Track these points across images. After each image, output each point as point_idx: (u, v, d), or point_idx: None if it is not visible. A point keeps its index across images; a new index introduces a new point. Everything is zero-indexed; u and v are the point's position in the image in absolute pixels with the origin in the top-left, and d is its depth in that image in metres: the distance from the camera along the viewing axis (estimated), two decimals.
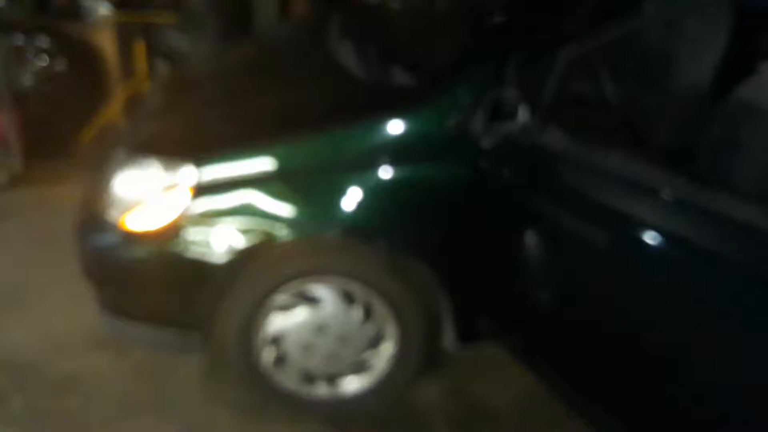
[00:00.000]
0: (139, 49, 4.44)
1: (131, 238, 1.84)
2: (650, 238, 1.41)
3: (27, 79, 4.27)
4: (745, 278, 1.24)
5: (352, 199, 1.79)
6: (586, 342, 1.64)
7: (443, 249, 1.88)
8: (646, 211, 1.46)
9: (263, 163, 1.78)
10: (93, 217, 1.92)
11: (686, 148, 2.02)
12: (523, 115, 1.71)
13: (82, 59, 4.54)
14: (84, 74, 4.54)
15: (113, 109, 4.52)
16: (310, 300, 1.90)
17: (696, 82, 2.18)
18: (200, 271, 1.82)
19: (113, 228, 1.85)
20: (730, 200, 1.33)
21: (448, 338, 1.98)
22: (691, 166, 1.94)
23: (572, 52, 1.65)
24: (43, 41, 4.37)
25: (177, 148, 1.86)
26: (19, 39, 4.24)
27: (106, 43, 4.60)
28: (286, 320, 1.92)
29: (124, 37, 4.54)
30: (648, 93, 2.29)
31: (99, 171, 2.11)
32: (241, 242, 1.78)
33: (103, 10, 4.47)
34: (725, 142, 1.89)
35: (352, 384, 2.03)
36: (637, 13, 1.70)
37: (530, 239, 1.67)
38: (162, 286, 1.90)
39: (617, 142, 2.07)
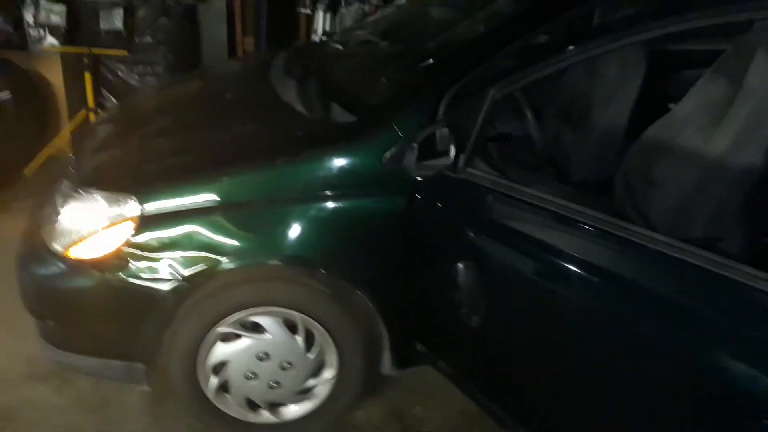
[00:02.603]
0: (87, 81, 4.44)
1: (74, 269, 1.86)
2: (570, 266, 1.51)
3: None
4: (659, 305, 1.34)
5: (293, 229, 1.86)
6: (513, 364, 1.75)
7: (381, 278, 1.96)
8: (566, 242, 1.56)
9: (206, 195, 1.83)
10: (35, 249, 1.93)
11: (604, 182, 2.19)
12: (452, 150, 1.82)
13: (27, 89, 4.48)
14: (28, 105, 4.47)
15: (59, 141, 4.48)
16: (254, 329, 1.95)
17: (614, 121, 2.35)
18: (144, 301, 1.85)
19: (56, 259, 1.87)
20: (643, 232, 1.42)
21: (387, 363, 2.07)
22: (608, 200, 2.10)
23: (499, 91, 1.75)
24: None
25: (121, 182, 1.89)
26: None
27: (52, 74, 4.57)
28: (230, 349, 1.95)
29: (72, 69, 4.53)
30: (569, 131, 2.46)
31: (43, 203, 2.13)
32: (184, 272, 1.82)
33: (51, 40, 4.45)
34: (639, 177, 2.05)
35: (294, 409, 2.09)
36: (561, 55, 1.79)
37: (461, 268, 1.75)
38: (105, 317, 1.91)
39: (541, 176, 2.22)
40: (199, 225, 1.82)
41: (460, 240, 1.81)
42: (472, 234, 1.78)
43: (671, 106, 2.10)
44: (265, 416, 2.07)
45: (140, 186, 1.86)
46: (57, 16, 4.35)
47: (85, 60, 4.40)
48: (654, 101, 2.31)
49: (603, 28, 1.75)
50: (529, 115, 2.16)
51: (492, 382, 1.87)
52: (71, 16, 4.35)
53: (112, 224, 1.83)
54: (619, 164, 2.12)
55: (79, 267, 1.85)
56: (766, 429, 1.11)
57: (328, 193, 1.87)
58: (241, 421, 2.06)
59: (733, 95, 1.76)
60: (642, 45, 2.30)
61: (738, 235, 1.77)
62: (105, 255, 1.82)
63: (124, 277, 1.82)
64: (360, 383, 2.09)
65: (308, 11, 5.20)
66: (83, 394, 2.29)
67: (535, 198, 1.63)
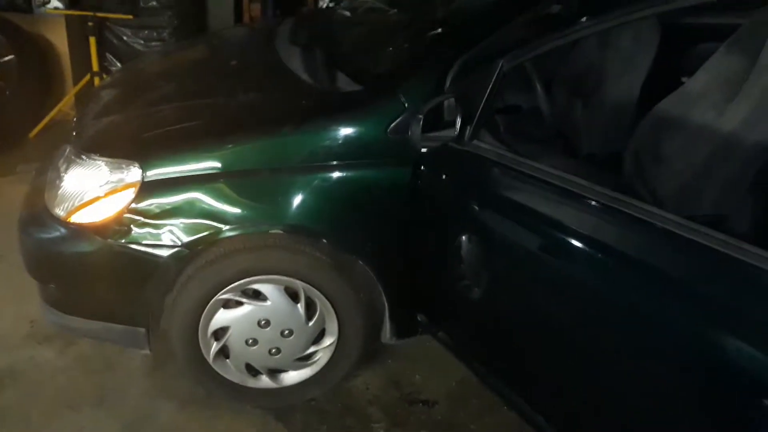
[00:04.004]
0: (92, 45, 4.40)
1: (76, 233, 1.85)
2: (575, 241, 1.48)
3: None
4: (662, 283, 1.32)
5: (296, 198, 1.85)
6: (513, 337, 1.75)
7: (383, 248, 1.96)
8: (571, 217, 1.54)
9: (210, 163, 1.82)
10: (38, 213, 1.93)
11: (613, 157, 2.16)
12: (458, 122, 1.80)
13: (32, 53, 4.47)
14: (33, 68, 4.47)
15: (63, 105, 4.47)
16: (255, 296, 1.96)
17: (625, 94, 2.32)
18: (145, 267, 1.85)
19: (58, 224, 1.86)
20: (650, 209, 1.38)
21: (387, 332, 2.07)
22: (616, 175, 2.07)
23: (508, 62, 1.72)
24: None
25: (123, 148, 1.88)
26: None
27: (57, 37, 4.54)
28: (231, 315, 1.96)
29: (76, 32, 4.50)
30: (580, 104, 2.43)
31: (45, 168, 2.13)
32: (186, 239, 1.81)
33: (55, 3, 4.41)
34: (649, 152, 2.03)
35: (293, 375, 2.10)
36: (573, 27, 1.73)
37: (464, 241, 1.74)
38: (106, 282, 1.92)
39: (548, 150, 2.20)
40: (201, 192, 1.81)
41: (464, 212, 1.80)
42: (475, 206, 1.77)
43: (684, 80, 2.06)
44: (265, 381, 2.09)
45: (143, 152, 1.85)
46: None
47: (90, 24, 4.36)
48: (667, 75, 2.27)
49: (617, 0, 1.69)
50: (538, 87, 2.13)
51: (491, 353, 1.87)
52: None
53: (114, 190, 1.82)
54: (628, 139, 2.09)
55: (80, 232, 1.85)
56: (765, 405, 1.10)
57: (332, 162, 1.85)
58: (240, 385, 2.07)
59: (748, 71, 1.73)
60: (656, 18, 2.26)
61: (746, 214, 1.74)
62: (106, 220, 1.82)
63: (125, 242, 1.81)
64: (359, 351, 2.10)
65: None
66: (85, 356, 2.32)
67: (540, 172, 1.61)
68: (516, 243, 1.67)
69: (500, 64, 1.71)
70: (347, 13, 2.81)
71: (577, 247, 1.48)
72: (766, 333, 1.15)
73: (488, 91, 1.73)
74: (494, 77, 1.71)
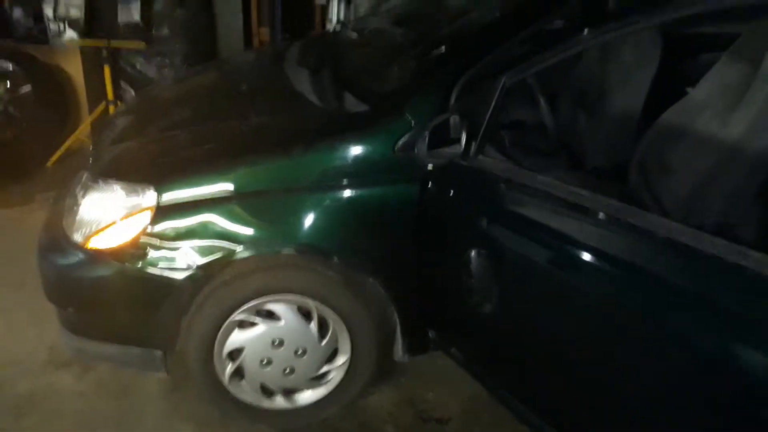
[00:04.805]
0: (106, 74, 4.50)
1: (93, 259, 1.89)
2: (583, 254, 1.49)
3: None
4: (672, 293, 1.32)
5: (307, 218, 1.88)
6: (524, 352, 1.75)
7: (393, 266, 1.98)
8: (578, 230, 1.55)
9: (223, 185, 1.85)
10: (56, 239, 1.96)
11: (619, 169, 2.17)
12: (464, 138, 1.82)
13: (48, 83, 4.58)
14: (49, 98, 4.57)
15: (80, 134, 4.55)
16: (269, 316, 1.98)
17: (629, 106, 2.33)
18: (161, 289, 1.88)
19: (76, 249, 1.90)
20: (657, 219, 1.39)
21: (399, 350, 2.09)
22: (622, 186, 2.08)
23: (510, 78, 1.73)
24: (7, 65, 4.41)
25: (139, 172, 1.92)
26: None
27: (72, 67, 4.64)
28: (246, 336, 1.98)
29: (91, 61, 4.59)
30: (584, 117, 2.44)
31: (63, 194, 2.17)
32: (200, 261, 1.84)
33: (70, 34, 4.52)
34: (654, 163, 2.04)
35: (308, 395, 2.12)
36: (574, 41, 1.75)
37: (473, 256, 1.76)
38: (124, 305, 1.95)
39: (554, 163, 2.21)
40: (215, 214, 1.84)
41: (472, 227, 1.81)
42: (483, 221, 1.78)
43: (688, 90, 2.07)
44: (280, 402, 2.11)
45: (158, 176, 1.89)
46: (76, 9, 4.42)
47: (104, 53, 4.46)
48: (670, 86, 2.28)
49: (616, 12, 1.72)
50: (542, 101, 2.15)
51: (503, 368, 1.88)
52: (90, 10, 4.41)
53: (130, 214, 1.86)
54: (633, 150, 2.10)
55: (98, 257, 1.89)
56: None
57: (341, 182, 1.88)
58: (255, 406, 2.09)
59: (751, 79, 1.74)
60: (658, 29, 2.28)
61: (753, 222, 1.75)
62: (123, 245, 1.85)
63: (141, 266, 1.85)
64: (372, 369, 2.11)
65: (323, 1, 5.20)
66: (104, 380, 2.35)
67: (547, 185, 1.62)
68: (524, 257, 1.68)
69: (503, 80, 1.73)
70: (354, 35, 2.86)
71: (585, 259, 1.49)
72: None
73: (492, 107, 1.74)
74: (497, 93, 1.73)
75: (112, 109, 4.48)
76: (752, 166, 1.71)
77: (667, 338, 1.32)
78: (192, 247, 1.84)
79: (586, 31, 1.71)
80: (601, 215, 1.48)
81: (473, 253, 1.76)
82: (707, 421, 1.28)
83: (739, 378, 1.19)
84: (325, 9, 5.23)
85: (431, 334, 2.07)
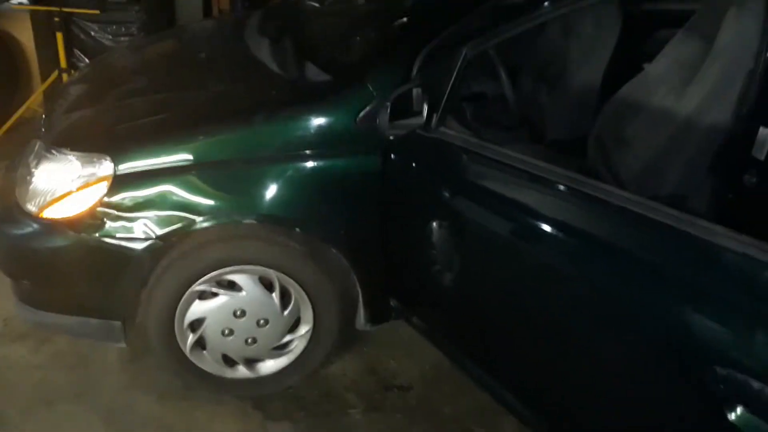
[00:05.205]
0: (59, 41, 4.34)
1: (48, 229, 1.86)
2: (542, 225, 1.53)
3: None
4: (628, 262, 1.36)
5: (268, 189, 1.86)
6: (484, 320, 1.79)
7: (355, 236, 1.99)
8: (537, 201, 1.59)
9: (181, 155, 1.83)
10: (9, 210, 1.92)
11: (578, 142, 2.21)
12: (425, 109, 1.83)
13: None
14: None
15: (31, 102, 4.41)
16: (230, 287, 1.97)
17: (588, 80, 2.36)
18: (119, 260, 1.85)
19: (30, 220, 1.86)
20: (614, 191, 1.44)
21: (362, 319, 2.11)
22: (581, 160, 2.12)
23: (471, 49, 1.74)
24: None
25: (94, 142, 1.89)
26: None
27: (23, 34, 4.47)
28: (207, 306, 1.97)
29: (42, 28, 4.42)
30: (545, 90, 2.47)
31: (15, 163, 2.12)
32: (159, 231, 1.82)
33: None
34: (611, 136, 2.08)
35: (270, 364, 2.13)
36: (534, 13, 1.77)
37: (434, 227, 1.77)
38: (81, 276, 1.92)
39: (515, 136, 2.24)
40: (173, 184, 1.82)
41: (433, 199, 1.83)
42: (444, 193, 1.80)
43: (645, 66, 2.11)
44: (242, 371, 2.11)
45: (114, 145, 1.85)
46: None
47: (57, 19, 4.29)
48: (629, 61, 2.32)
49: None
50: (502, 74, 2.16)
51: (464, 337, 1.91)
52: None
53: (87, 184, 1.82)
54: (592, 124, 2.14)
55: (53, 227, 1.85)
56: (720, 375, 1.15)
57: (302, 152, 1.87)
58: (218, 376, 2.09)
59: (705, 54, 1.78)
60: (617, 4, 2.31)
61: (705, 193, 1.80)
62: (79, 215, 1.82)
63: (98, 236, 1.82)
64: (334, 338, 2.13)
65: None
66: (61, 352, 2.31)
67: (506, 157, 1.65)
68: (484, 227, 1.71)
69: (464, 52, 1.74)
70: (315, 4, 2.83)
71: (544, 229, 1.53)
72: (724, 307, 1.20)
73: (453, 78, 1.75)
74: (458, 65, 1.73)
75: (65, 77, 4.33)
76: (705, 139, 1.76)
77: (624, 305, 1.36)
78: (150, 218, 1.82)
79: (546, 3, 1.73)
80: (559, 187, 1.51)
81: (435, 223, 1.77)
82: (650, 381, 1.33)
83: (685, 340, 1.24)
84: None
85: (393, 303, 2.09)
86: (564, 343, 1.53)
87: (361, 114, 1.86)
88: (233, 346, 2.03)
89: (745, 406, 1.12)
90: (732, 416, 1.13)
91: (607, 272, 1.40)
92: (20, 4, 4.31)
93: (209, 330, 1.99)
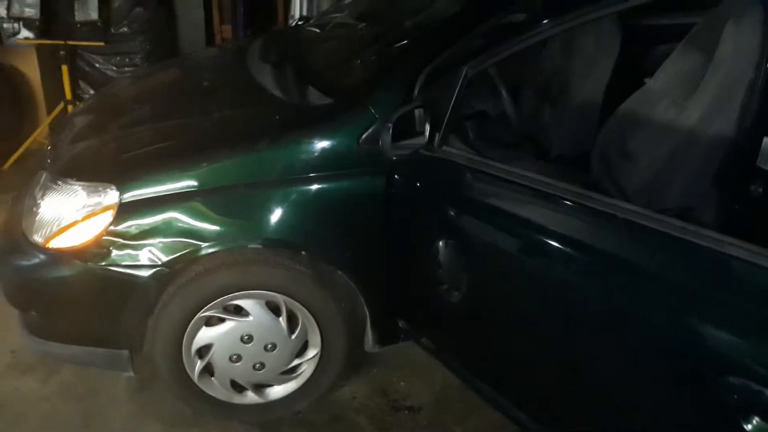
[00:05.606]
0: (64, 74, 4.40)
1: (55, 259, 1.86)
2: (548, 240, 1.53)
3: None
4: (637, 275, 1.36)
5: (273, 213, 1.86)
6: (494, 339, 1.77)
7: (361, 258, 1.98)
8: (542, 217, 1.58)
9: (186, 182, 1.83)
10: (16, 241, 1.92)
11: (582, 157, 2.21)
12: (427, 129, 1.83)
13: (3, 84, 4.45)
14: (5, 99, 4.44)
15: (38, 135, 4.45)
16: (237, 312, 1.96)
17: (590, 96, 2.38)
18: (126, 288, 1.85)
19: (37, 251, 1.86)
20: (620, 204, 1.43)
21: (370, 341, 2.09)
22: (585, 174, 2.12)
23: (472, 68, 1.76)
24: None
25: (99, 171, 1.90)
26: None
27: (29, 67, 4.53)
28: (214, 332, 1.96)
29: (48, 61, 4.48)
30: (547, 107, 2.48)
31: (22, 195, 2.13)
32: (165, 258, 1.82)
33: (25, 33, 4.40)
34: (615, 151, 2.08)
35: (279, 389, 2.11)
36: (532, 31, 1.78)
37: (440, 246, 1.77)
38: (88, 306, 1.92)
39: (518, 153, 2.25)
40: (179, 211, 1.82)
41: (438, 218, 1.83)
42: (449, 211, 1.80)
43: (646, 80, 2.12)
44: (251, 397, 2.10)
45: (119, 174, 1.86)
46: (31, 8, 4.29)
47: (62, 52, 4.35)
48: (630, 76, 2.33)
49: (574, 2, 1.75)
50: (503, 92, 2.18)
51: (474, 356, 1.90)
52: (46, 9, 4.29)
53: (92, 213, 1.83)
54: (595, 139, 2.14)
55: (59, 257, 1.85)
56: (732, 385, 1.14)
57: (306, 175, 1.88)
58: (226, 402, 2.08)
59: (706, 66, 1.79)
60: (617, 20, 2.33)
61: (712, 204, 1.80)
62: (85, 244, 1.82)
63: (105, 265, 1.82)
64: (343, 361, 2.11)
65: None
66: (69, 383, 2.30)
67: (510, 174, 1.65)
68: (491, 245, 1.71)
69: (464, 71, 1.75)
70: (317, 30, 2.85)
71: (551, 245, 1.52)
72: (736, 316, 1.19)
73: (454, 97, 1.76)
74: (459, 84, 1.74)
75: (70, 109, 4.38)
76: (709, 150, 1.76)
77: (635, 320, 1.35)
78: (156, 245, 1.82)
79: (545, 20, 1.75)
80: (565, 202, 1.51)
81: (441, 242, 1.77)
82: (663, 394, 1.32)
83: (694, 352, 1.23)
84: (287, 4, 5.19)
85: (401, 324, 2.08)
86: (576, 359, 1.51)
87: (364, 136, 1.87)
88: (241, 371, 2.02)
89: (762, 416, 1.10)
90: (749, 427, 1.12)
91: (617, 286, 1.39)
92: (26, 38, 4.37)
93: (217, 356, 1.98)
